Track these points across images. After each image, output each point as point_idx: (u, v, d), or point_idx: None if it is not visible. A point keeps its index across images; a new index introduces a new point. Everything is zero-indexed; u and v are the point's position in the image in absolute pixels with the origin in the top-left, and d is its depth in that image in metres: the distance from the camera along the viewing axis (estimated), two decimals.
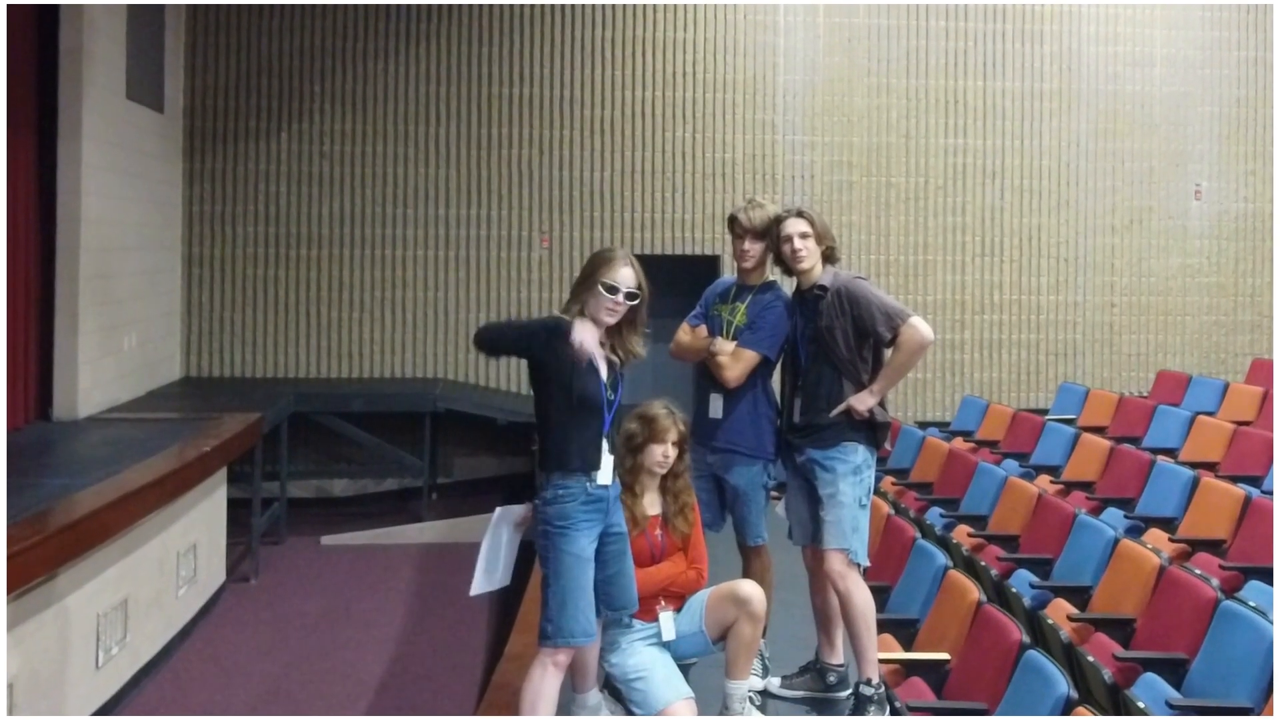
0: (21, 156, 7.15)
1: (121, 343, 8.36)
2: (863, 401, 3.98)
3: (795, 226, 4.06)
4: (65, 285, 7.50)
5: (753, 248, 4.20)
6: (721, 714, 3.85)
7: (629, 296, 3.54)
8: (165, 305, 9.58)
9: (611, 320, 3.55)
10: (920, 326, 3.98)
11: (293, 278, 10.22)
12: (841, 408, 3.97)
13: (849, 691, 4.12)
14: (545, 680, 3.49)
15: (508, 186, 10.40)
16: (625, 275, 3.54)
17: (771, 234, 4.16)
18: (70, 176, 7.48)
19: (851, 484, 3.97)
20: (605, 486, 3.52)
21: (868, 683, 3.94)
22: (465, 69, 10.36)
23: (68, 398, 7.56)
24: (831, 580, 3.98)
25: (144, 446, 6.72)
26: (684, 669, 3.94)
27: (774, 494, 4.39)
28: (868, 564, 4.12)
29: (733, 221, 4.25)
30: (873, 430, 4.04)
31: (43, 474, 6.11)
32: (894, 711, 4.09)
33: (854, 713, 3.95)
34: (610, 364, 3.59)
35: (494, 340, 3.67)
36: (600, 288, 3.51)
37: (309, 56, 10.21)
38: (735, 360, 4.13)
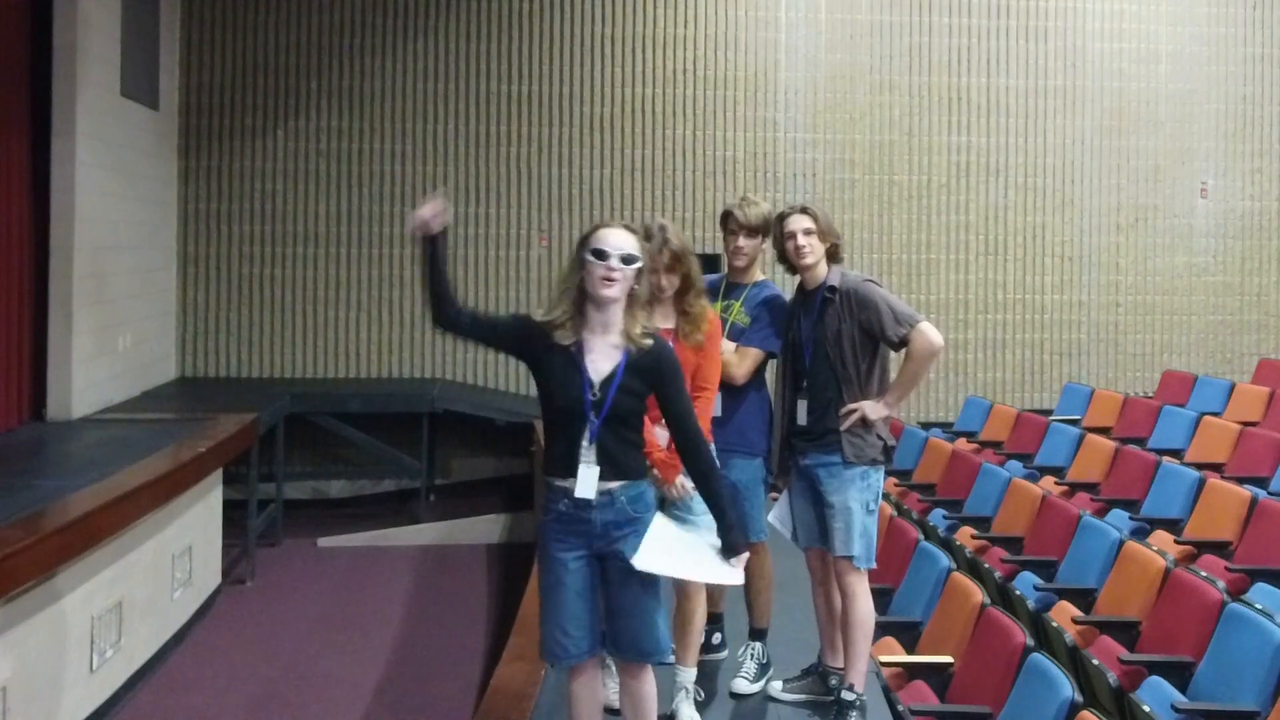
0: (14, 154, 7.10)
1: (116, 342, 8.30)
2: (876, 410, 3.91)
3: (799, 223, 4.01)
4: (59, 284, 7.44)
5: (747, 244, 4.18)
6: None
7: (625, 260, 3.10)
8: (160, 305, 9.52)
9: (614, 293, 3.09)
10: (930, 332, 3.92)
11: (289, 277, 10.16)
12: (855, 418, 3.89)
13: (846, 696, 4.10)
14: (569, 698, 3.35)
15: (506, 185, 10.33)
16: (617, 238, 3.12)
17: (771, 231, 4.13)
18: (64, 174, 7.42)
19: (859, 489, 3.92)
20: (588, 501, 3.11)
21: (851, 688, 3.93)
22: (463, 65, 10.30)
23: (62, 398, 7.51)
24: (839, 586, 3.98)
25: (139, 447, 6.67)
26: None
27: (771, 494, 4.34)
28: (873, 566, 4.09)
29: (727, 217, 4.22)
30: (883, 442, 4.00)
31: (36, 475, 6.05)
32: (896, 715, 4.09)
33: (835, 717, 3.93)
34: (625, 351, 3.14)
35: (454, 319, 3.23)
36: (589, 255, 3.10)
37: (305, 53, 10.15)
38: (742, 358, 4.09)
